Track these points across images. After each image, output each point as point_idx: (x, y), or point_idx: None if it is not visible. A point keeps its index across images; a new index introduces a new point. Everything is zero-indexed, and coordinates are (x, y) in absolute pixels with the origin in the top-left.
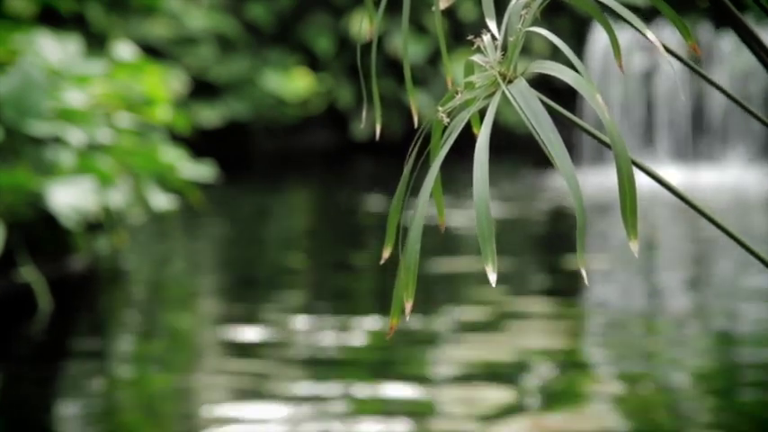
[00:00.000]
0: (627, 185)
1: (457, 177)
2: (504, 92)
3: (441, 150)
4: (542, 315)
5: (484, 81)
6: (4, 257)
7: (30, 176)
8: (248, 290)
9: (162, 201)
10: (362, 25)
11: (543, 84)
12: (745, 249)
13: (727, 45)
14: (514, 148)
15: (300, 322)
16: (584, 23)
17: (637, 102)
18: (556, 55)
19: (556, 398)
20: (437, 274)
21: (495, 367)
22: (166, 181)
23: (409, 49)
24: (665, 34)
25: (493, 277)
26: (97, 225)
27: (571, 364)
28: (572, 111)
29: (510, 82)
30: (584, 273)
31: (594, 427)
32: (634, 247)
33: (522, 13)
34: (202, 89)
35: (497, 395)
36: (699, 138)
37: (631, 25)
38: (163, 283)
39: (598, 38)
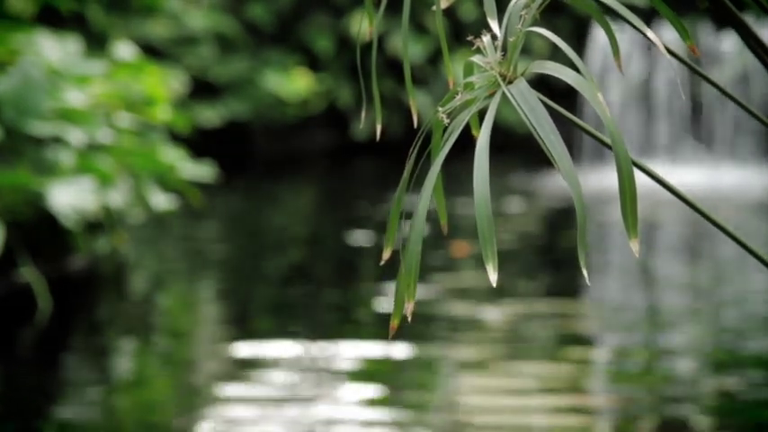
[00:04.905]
0: (627, 185)
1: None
2: (504, 92)
3: (441, 150)
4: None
5: (484, 81)
6: (4, 257)
7: (30, 176)
8: (247, 290)
9: (162, 201)
10: (362, 25)
11: (542, 84)
12: (744, 249)
13: (728, 45)
14: (513, 148)
15: (298, 323)
16: (584, 24)
17: (635, 102)
18: (555, 56)
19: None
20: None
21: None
22: (166, 181)
23: (409, 49)
24: (664, 35)
25: (494, 277)
26: (97, 225)
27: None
28: (571, 111)
29: (510, 82)
30: (584, 272)
31: None
32: (635, 246)
33: (522, 13)
34: (202, 89)
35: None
36: (698, 137)
37: (631, 25)
38: (162, 284)
39: (597, 39)
